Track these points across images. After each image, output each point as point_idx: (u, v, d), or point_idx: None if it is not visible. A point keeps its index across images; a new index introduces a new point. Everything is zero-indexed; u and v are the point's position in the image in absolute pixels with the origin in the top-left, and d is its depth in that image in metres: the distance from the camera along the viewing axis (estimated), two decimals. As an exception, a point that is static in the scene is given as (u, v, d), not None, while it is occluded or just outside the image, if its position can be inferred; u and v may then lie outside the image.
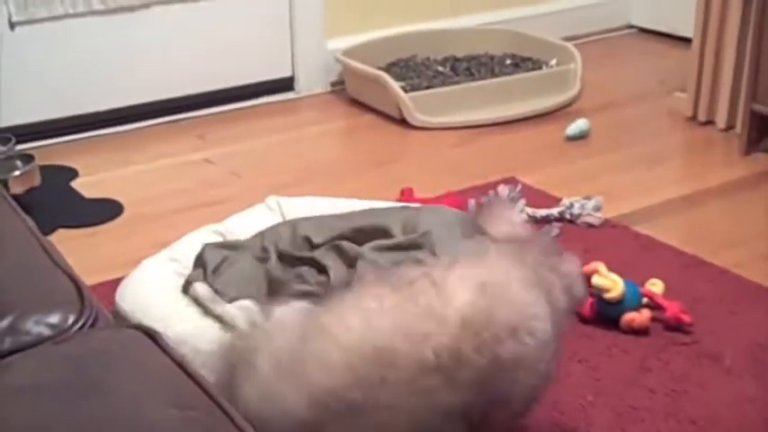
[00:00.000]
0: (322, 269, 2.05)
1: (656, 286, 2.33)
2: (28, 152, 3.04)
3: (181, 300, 2.03)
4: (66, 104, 3.44)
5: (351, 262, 2.05)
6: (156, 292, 2.06)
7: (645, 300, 2.29)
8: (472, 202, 2.74)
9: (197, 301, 2.00)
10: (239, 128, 3.58)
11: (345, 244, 2.09)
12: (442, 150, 3.35)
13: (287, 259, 2.08)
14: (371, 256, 2.03)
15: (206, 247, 2.14)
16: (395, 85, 3.56)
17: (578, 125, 3.41)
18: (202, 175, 3.20)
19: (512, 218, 1.64)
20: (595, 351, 2.19)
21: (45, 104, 3.40)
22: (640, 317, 2.25)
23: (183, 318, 1.95)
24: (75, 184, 3.12)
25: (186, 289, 2.04)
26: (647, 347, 2.20)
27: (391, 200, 2.67)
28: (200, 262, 2.11)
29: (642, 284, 2.32)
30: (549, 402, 1.90)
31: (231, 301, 1.96)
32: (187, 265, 2.14)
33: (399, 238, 2.10)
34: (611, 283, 2.25)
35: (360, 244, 2.09)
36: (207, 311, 1.97)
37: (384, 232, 2.13)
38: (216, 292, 1.99)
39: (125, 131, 3.53)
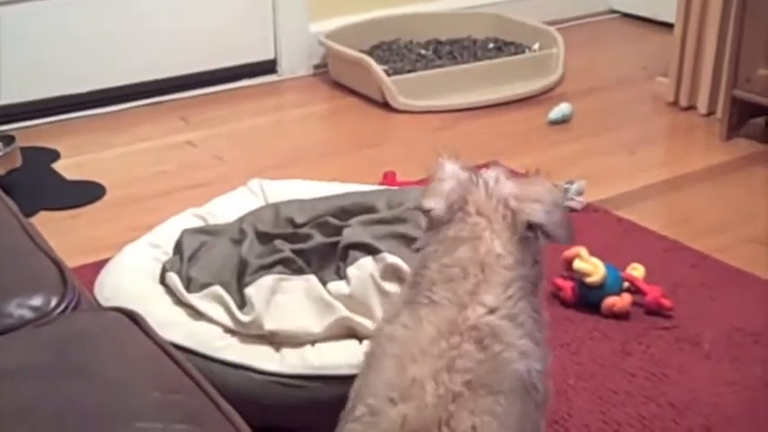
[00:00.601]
0: (301, 241, 2.06)
1: (637, 271, 2.34)
2: (9, 133, 3.02)
3: (158, 287, 2.03)
4: (48, 86, 3.42)
5: (333, 232, 2.05)
6: (135, 280, 2.05)
7: (626, 284, 2.31)
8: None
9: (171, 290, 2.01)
10: (222, 110, 3.57)
11: (330, 219, 2.10)
12: (424, 134, 3.34)
13: (266, 238, 2.08)
14: (357, 228, 2.04)
15: (184, 233, 2.14)
16: (378, 69, 3.55)
17: (561, 109, 3.41)
18: (185, 157, 3.19)
19: (455, 171, 1.57)
20: (576, 335, 2.20)
21: (26, 85, 3.38)
22: (621, 301, 2.26)
23: (158, 305, 1.95)
24: (56, 165, 3.11)
25: (163, 277, 2.04)
26: (628, 332, 2.21)
27: (374, 183, 2.67)
28: (177, 249, 2.11)
29: (623, 269, 2.33)
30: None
31: (202, 287, 1.96)
32: (168, 251, 2.14)
33: (384, 213, 2.11)
34: (593, 268, 2.26)
35: (345, 221, 2.10)
36: (179, 300, 1.98)
37: (369, 209, 2.14)
38: (189, 279, 1.99)
39: (107, 113, 3.51)
